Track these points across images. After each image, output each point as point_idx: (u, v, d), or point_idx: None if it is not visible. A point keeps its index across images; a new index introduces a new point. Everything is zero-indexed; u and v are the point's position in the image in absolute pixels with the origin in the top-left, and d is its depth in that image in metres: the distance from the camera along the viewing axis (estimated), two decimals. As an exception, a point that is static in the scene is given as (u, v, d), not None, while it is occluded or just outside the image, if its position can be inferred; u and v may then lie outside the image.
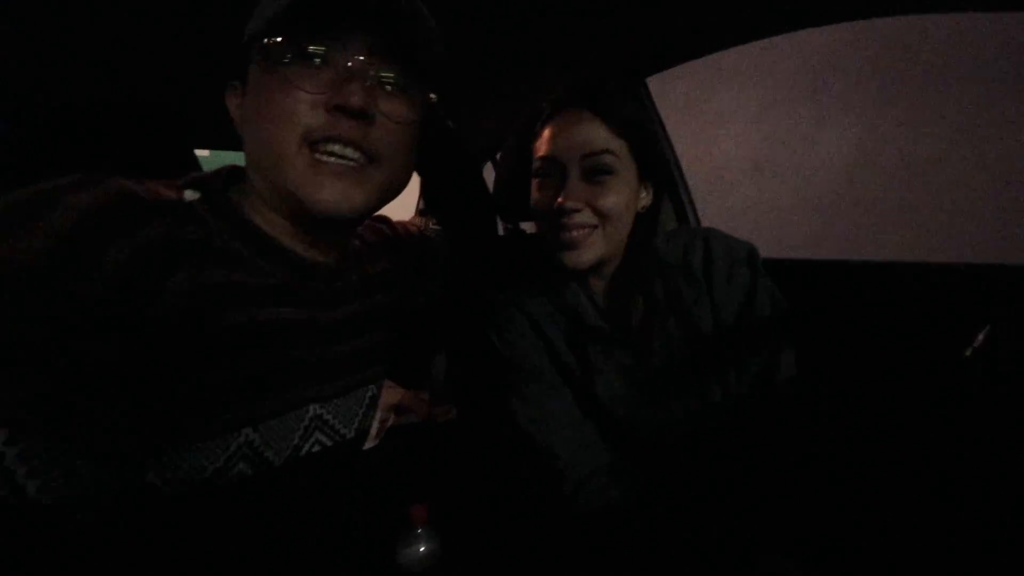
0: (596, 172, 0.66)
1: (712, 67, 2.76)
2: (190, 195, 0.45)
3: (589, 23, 0.99)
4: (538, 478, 0.72)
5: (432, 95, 0.52)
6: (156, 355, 0.37)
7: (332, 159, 0.44)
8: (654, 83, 1.20)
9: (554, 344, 0.74)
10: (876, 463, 0.73)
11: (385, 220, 0.73)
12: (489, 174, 1.54)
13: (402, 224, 0.78)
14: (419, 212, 0.94)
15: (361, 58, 0.44)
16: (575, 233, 0.67)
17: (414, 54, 0.47)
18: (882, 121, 2.26)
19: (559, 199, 0.66)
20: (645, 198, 0.72)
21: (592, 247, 0.67)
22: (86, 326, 0.32)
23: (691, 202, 1.27)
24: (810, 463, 0.64)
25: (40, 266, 0.31)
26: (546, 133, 0.70)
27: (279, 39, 0.43)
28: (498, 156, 1.62)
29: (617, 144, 0.66)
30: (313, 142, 0.44)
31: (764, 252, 0.74)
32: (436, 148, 0.63)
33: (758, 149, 2.71)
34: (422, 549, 0.68)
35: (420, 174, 0.57)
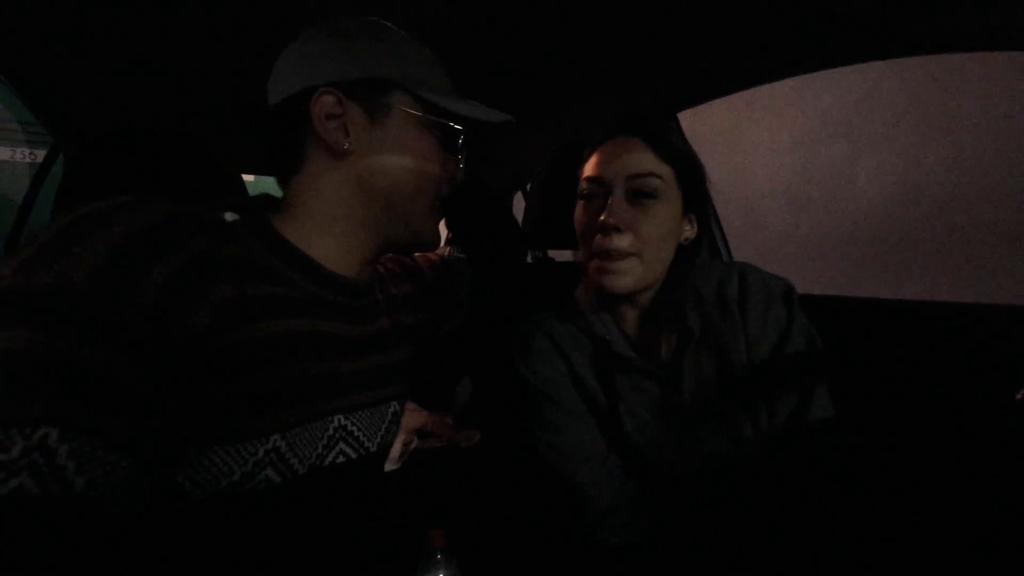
0: (641, 195, 0.66)
1: (745, 99, 2.77)
2: (230, 216, 0.48)
3: (620, 59, 1.01)
4: (560, 509, 0.71)
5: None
6: (196, 362, 0.39)
7: (439, 209, 0.59)
8: (686, 113, 1.21)
9: (580, 372, 0.73)
10: (913, 510, 0.69)
11: None
12: (518, 204, 1.56)
13: (423, 254, 0.80)
14: (447, 242, 0.97)
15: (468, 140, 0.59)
16: (612, 257, 0.66)
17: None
18: (921, 157, 2.21)
19: (602, 216, 0.65)
20: (689, 231, 0.72)
21: (631, 273, 0.67)
22: (135, 336, 0.35)
23: (723, 235, 1.26)
24: (842, 507, 0.61)
25: (90, 281, 0.34)
26: (594, 158, 0.71)
27: (450, 114, 0.55)
28: (528, 187, 1.65)
29: (664, 169, 0.67)
30: (436, 194, 0.57)
31: (798, 288, 0.72)
32: (460, 189, 0.67)
33: (792, 183, 2.67)
34: (440, 575, 0.67)
35: (444, 212, 0.61)
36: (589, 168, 0.71)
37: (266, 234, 0.50)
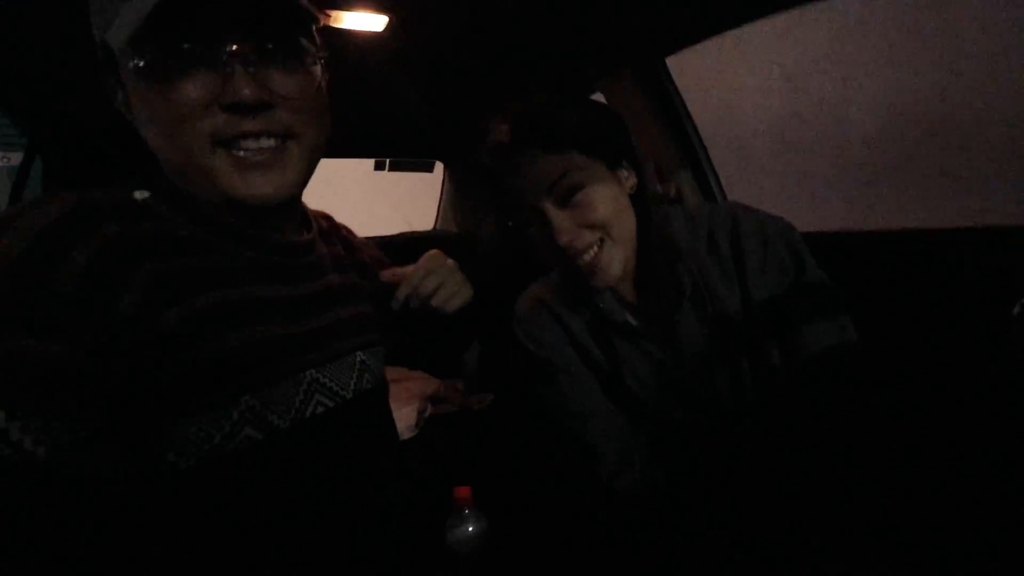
0: (569, 194, 0.64)
1: (731, 37, 2.68)
2: (140, 195, 0.47)
3: (603, 5, 0.98)
4: (576, 464, 0.74)
5: (323, 53, 0.50)
6: (134, 342, 0.39)
7: (250, 152, 0.45)
8: (674, 62, 1.19)
9: (579, 338, 0.74)
10: (922, 441, 0.71)
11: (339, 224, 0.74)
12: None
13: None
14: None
15: (235, 47, 0.43)
16: (587, 257, 0.65)
17: (288, 16, 0.45)
18: (914, 86, 2.17)
19: (554, 240, 0.64)
20: (629, 179, 0.70)
21: (612, 261, 0.66)
22: (58, 322, 0.36)
23: (717, 179, 1.25)
24: (853, 441, 0.62)
25: (9, 274, 0.35)
26: (505, 184, 0.68)
27: (150, 45, 0.41)
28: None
29: (569, 159, 0.64)
30: (224, 142, 0.44)
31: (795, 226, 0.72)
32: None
33: (783, 120, 2.63)
34: (471, 529, 0.70)
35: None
36: (510, 198, 0.68)
37: (185, 206, 0.48)
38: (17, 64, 0.96)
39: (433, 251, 0.67)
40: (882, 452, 0.63)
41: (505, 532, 0.72)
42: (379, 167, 3.26)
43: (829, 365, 0.63)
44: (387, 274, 0.64)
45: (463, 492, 0.73)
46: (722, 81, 2.73)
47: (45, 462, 0.33)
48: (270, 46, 0.45)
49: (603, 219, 0.64)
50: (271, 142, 0.46)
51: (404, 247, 0.80)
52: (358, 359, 0.58)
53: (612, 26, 1.06)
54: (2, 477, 0.32)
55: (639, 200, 0.70)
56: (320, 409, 0.51)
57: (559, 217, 0.64)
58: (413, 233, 2.00)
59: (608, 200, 0.65)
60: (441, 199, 2.16)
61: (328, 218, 0.71)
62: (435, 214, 2.20)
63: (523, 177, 0.65)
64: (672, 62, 1.20)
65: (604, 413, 0.73)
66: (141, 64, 0.42)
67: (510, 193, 0.67)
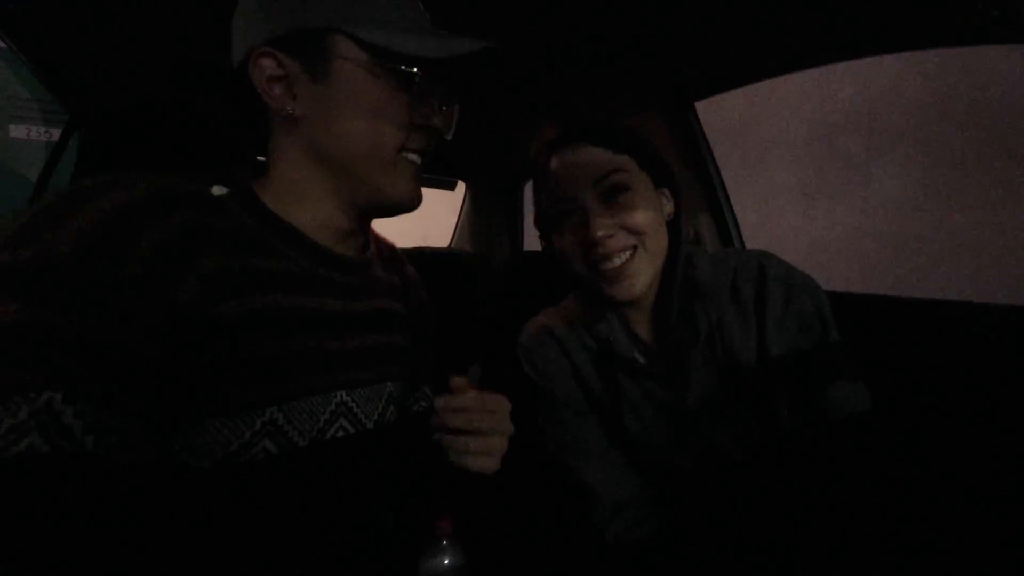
0: (614, 192, 0.63)
1: (762, 91, 2.71)
2: (217, 190, 0.48)
3: (633, 45, 0.99)
4: (569, 502, 0.71)
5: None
6: (185, 333, 0.39)
7: (413, 164, 0.53)
8: (701, 105, 1.19)
9: (583, 372, 0.73)
10: (930, 503, 0.68)
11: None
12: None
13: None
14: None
15: (449, 90, 0.52)
16: (617, 260, 0.63)
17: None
18: (943, 154, 2.16)
19: (587, 233, 0.62)
20: (668, 205, 0.70)
21: (640, 272, 0.64)
22: (122, 305, 0.36)
23: (737, 227, 1.24)
24: (868, 508, 0.59)
25: (76, 254, 0.35)
26: (551, 175, 0.67)
27: (397, 53, 0.47)
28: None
29: (623, 160, 0.64)
30: (402, 149, 0.51)
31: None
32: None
33: (806, 178, 2.63)
34: (446, 562, 0.67)
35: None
36: (552, 191, 0.67)
37: (255, 207, 0.49)
38: (62, 40, 0.99)
39: (503, 399, 0.58)
40: (898, 527, 0.60)
41: (483, 570, 0.69)
42: (403, 181, 3.33)
43: (853, 431, 0.60)
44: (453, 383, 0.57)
45: (443, 522, 0.70)
46: (748, 134, 2.75)
47: (94, 453, 0.32)
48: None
49: (643, 225, 0.63)
50: (420, 160, 0.54)
51: (417, 261, 0.80)
52: (388, 389, 0.58)
53: (644, 66, 1.07)
54: (55, 466, 0.31)
55: (673, 229, 0.69)
56: (340, 433, 0.50)
57: (599, 211, 0.63)
58: (428, 248, 2.01)
59: (651, 210, 0.65)
60: (459, 217, 2.17)
61: (393, 248, 0.71)
62: (451, 232, 2.21)
63: (571, 169, 0.65)
64: (701, 108, 1.21)
65: (601, 453, 0.71)
66: (377, 62, 0.48)
67: (553, 187, 0.67)
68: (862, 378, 0.62)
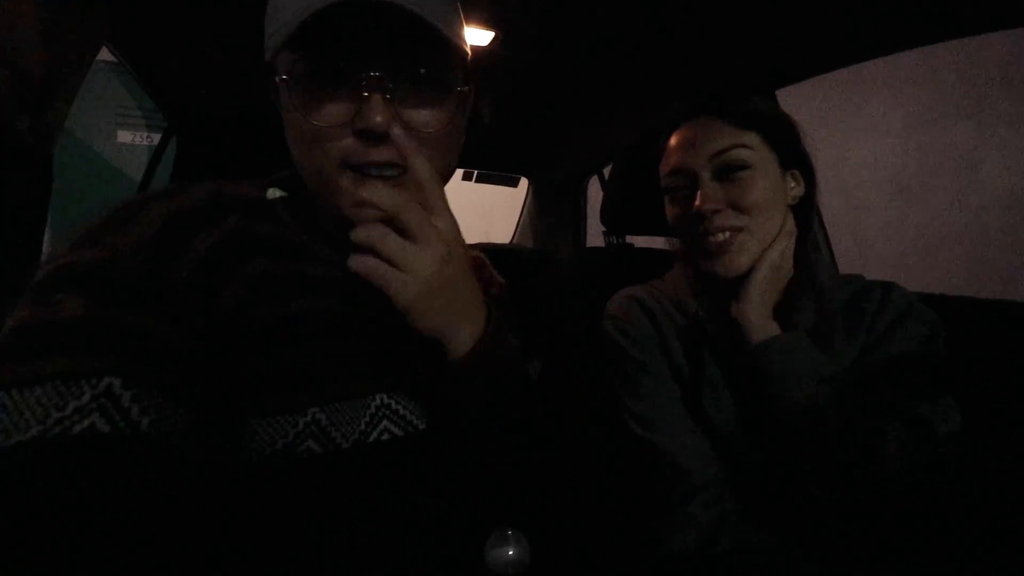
0: (730, 169, 0.62)
1: (852, 75, 2.50)
2: (272, 193, 0.50)
3: (713, 33, 0.94)
4: (642, 481, 0.69)
5: (464, 87, 0.48)
6: (231, 334, 0.41)
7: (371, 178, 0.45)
8: (782, 92, 1.12)
9: (669, 344, 0.70)
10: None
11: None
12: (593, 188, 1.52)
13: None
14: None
15: (375, 73, 0.42)
16: (719, 237, 0.62)
17: (434, 47, 0.44)
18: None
19: (695, 204, 0.62)
20: (795, 188, 0.67)
21: (744, 250, 0.62)
22: (173, 305, 0.39)
23: (822, 225, 1.16)
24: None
25: (134, 255, 0.38)
26: (670, 148, 0.68)
27: (297, 59, 0.42)
28: (607, 172, 1.61)
29: (748, 137, 0.62)
30: (352, 167, 0.45)
31: (905, 286, 0.66)
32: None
33: (903, 170, 2.40)
34: (511, 552, 0.67)
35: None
36: (668, 162, 0.67)
37: (303, 212, 0.50)
38: (165, 56, 1.09)
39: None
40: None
41: (547, 561, 0.69)
42: (467, 178, 3.39)
43: (951, 453, 0.56)
44: None
45: (510, 513, 0.70)
46: (834, 123, 2.55)
47: (148, 434, 0.35)
48: (411, 74, 0.45)
49: (754, 204, 0.62)
50: (393, 172, 0.46)
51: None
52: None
53: (720, 55, 1.02)
54: (113, 444, 0.33)
55: (801, 212, 0.67)
56: (386, 436, 0.49)
57: (711, 186, 0.63)
58: (490, 244, 2.04)
59: (767, 191, 0.63)
60: (521, 214, 2.18)
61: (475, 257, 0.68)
62: (514, 228, 2.23)
63: (691, 140, 0.64)
64: (782, 96, 1.13)
65: (687, 428, 0.67)
66: (285, 76, 0.43)
67: (670, 159, 0.67)
68: (955, 398, 0.58)
